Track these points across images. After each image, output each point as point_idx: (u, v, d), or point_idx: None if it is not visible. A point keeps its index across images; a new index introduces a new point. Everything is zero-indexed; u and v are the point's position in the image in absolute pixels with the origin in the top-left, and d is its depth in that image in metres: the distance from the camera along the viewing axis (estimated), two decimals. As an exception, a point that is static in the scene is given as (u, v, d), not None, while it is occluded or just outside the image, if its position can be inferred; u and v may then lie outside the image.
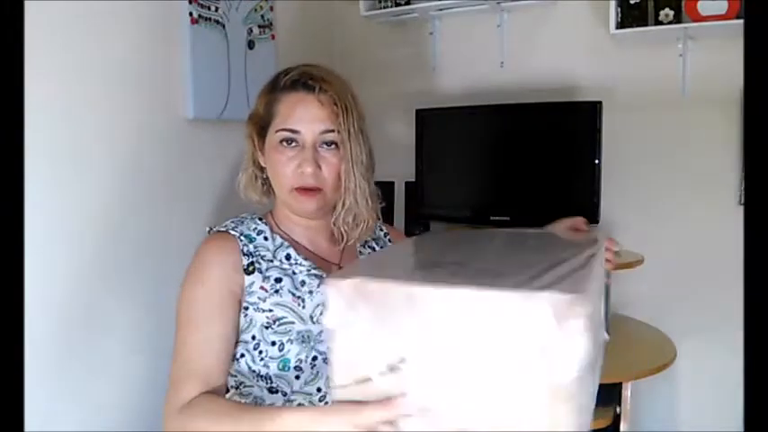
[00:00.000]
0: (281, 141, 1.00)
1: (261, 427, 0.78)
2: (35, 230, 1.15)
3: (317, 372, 0.97)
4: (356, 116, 1.01)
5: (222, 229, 1.01)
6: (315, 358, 0.97)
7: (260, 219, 1.06)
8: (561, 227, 1.16)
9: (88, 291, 1.32)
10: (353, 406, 0.67)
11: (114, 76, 1.36)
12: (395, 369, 0.63)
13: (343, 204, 1.03)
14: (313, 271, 1.03)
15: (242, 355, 0.97)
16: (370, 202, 1.04)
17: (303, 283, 1.01)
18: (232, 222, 1.03)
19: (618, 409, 1.34)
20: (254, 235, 1.02)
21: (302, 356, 0.96)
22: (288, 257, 1.03)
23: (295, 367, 0.96)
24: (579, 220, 1.16)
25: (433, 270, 0.72)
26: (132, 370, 1.41)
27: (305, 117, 1.00)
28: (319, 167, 1.00)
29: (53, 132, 1.22)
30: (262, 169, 1.07)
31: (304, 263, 1.04)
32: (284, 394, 0.97)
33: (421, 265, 0.83)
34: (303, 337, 0.97)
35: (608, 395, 1.32)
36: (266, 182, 1.07)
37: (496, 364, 0.58)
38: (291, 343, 0.96)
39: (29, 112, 1.06)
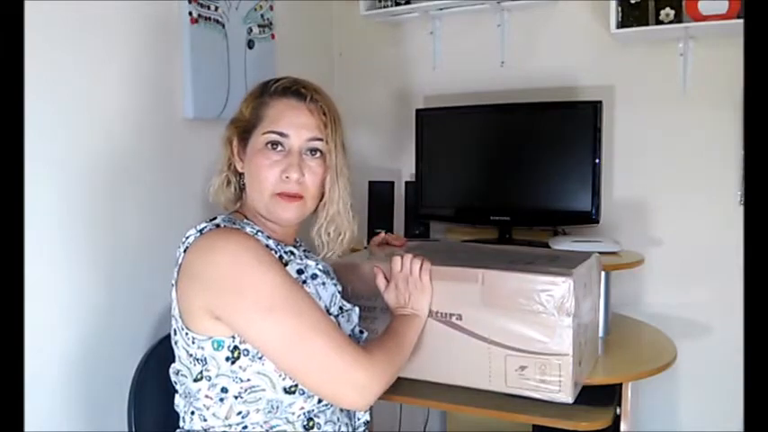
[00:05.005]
0: (267, 144, 1.00)
1: (415, 331, 1.06)
2: (34, 232, 1.15)
3: None
4: (341, 131, 1.03)
5: (234, 227, 0.97)
6: None
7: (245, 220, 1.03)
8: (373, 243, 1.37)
9: (88, 293, 1.32)
10: None
11: (113, 76, 1.36)
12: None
13: (327, 214, 1.04)
14: (319, 266, 1.05)
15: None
16: (351, 213, 1.06)
17: (315, 276, 1.03)
18: (228, 221, 1.00)
19: (618, 410, 1.33)
20: (255, 232, 1.00)
21: None
22: (292, 253, 1.03)
23: None
24: (387, 237, 1.39)
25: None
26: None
27: (294, 122, 1.00)
28: (302, 175, 1.00)
29: (51, 132, 1.22)
30: (236, 174, 1.07)
31: (309, 257, 1.05)
32: (302, 393, 0.95)
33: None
34: None
35: (608, 396, 1.31)
36: (238, 187, 1.07)
37: None
38: None
39: (28, 113, 1.06)
